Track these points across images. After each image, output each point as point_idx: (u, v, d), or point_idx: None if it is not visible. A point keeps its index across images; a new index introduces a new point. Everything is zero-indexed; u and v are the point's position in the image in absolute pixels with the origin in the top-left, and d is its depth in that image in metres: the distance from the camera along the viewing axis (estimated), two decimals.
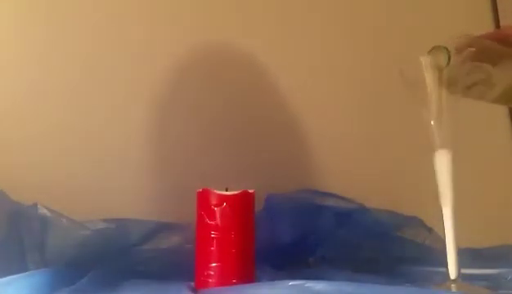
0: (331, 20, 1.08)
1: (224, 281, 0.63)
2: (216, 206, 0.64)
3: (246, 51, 1.00)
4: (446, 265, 0.63)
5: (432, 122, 0.64)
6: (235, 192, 0.65)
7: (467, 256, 0.67)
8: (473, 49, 0.64)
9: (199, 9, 0.98)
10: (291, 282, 0.52)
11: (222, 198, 0.65)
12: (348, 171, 1.01)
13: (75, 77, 0.90)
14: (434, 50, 0.65)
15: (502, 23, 1.16)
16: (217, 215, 0.64)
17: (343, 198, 0.93)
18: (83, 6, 0.92)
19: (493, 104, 0.73)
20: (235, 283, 0.63)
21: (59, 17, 0.91)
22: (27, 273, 0.61)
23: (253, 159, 0.97)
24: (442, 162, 0.64)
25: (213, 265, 0.64)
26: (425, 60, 0.65)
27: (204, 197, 0.66)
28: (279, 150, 1.01)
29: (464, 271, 0.64)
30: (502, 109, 1.19)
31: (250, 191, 0.67)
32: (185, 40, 0.96)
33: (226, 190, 0.66)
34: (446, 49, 0.64)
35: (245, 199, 0.66)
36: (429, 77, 0.64)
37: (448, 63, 0.64)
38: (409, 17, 1.12)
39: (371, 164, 1.04)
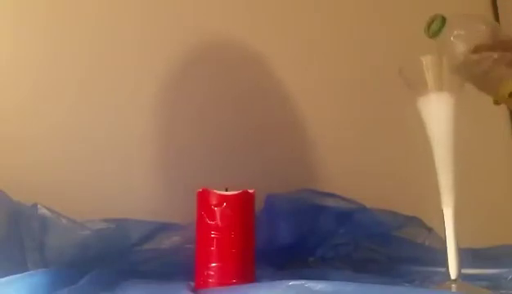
0: (332, 20, 1.08)
1: (224, 281, 0.63)
2: (216, 206, 0.64)
3: (248, 52, 1.00)
4: (446, 265, 0.63)
5: None
6: (235, 192, 0.65)
7: (467, 256, 0.67)
8: (496, 56, 0.62)
9: (202, 9, 0.98)
10: (291, 282, 0.52)
11: (222, 198, 0.65)
12: (348, 171, 1.01)
13: (77, 77, 0.90)
14: (431, 19, 0.64)
15: (502, 23, 1.16)
16: (217, 215, 0.64)
17: (343, 198, 0.93)
18: (85, 7, 0.92)
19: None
20: (235, 283, 0.62)
21: (62, 18, 0.90)
22: (27, 273, 0.61)
23: (253, 159, 0.97)
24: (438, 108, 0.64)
25: (213, 265, 0.63)
26: (425, 60, 0.65)
27: (204, 197, 0.66)
28: (279, 150, 1.01)
29: (464, 271, 0.64)
30: (502, 109, 1.19)
31: (250, 191, 0.67)
32: (187, 41, 0.96)
33: (226, 190, 0.65)
34: (443, 17, 0.64)
35: (245, 199, 0.66)
36: (429, 77, 0.64)
37: (439, 31, 0.63)
38: (409, 17, 1.12)
39: (371, 164, 1.04)
